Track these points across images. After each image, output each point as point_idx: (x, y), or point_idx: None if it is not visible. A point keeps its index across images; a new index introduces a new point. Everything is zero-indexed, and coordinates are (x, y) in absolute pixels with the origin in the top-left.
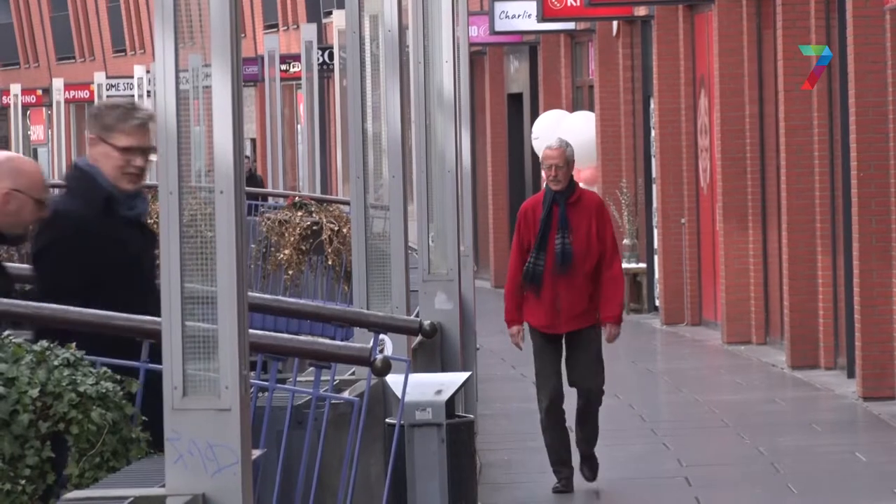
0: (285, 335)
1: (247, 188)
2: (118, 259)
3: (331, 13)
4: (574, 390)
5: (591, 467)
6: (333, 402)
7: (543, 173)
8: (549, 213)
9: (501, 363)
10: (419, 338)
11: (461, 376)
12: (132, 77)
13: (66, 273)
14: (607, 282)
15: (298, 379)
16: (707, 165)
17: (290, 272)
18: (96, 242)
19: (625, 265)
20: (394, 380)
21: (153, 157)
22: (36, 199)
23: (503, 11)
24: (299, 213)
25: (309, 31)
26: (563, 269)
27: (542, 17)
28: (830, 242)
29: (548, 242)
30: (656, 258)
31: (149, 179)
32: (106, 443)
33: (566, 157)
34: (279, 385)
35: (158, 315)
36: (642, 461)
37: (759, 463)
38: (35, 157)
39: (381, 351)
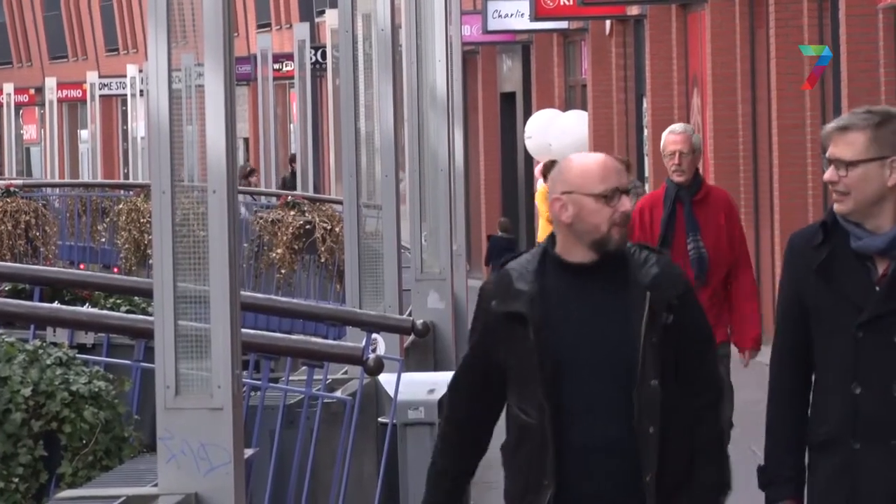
0: (278, 334)
1: (251, 188)
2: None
3: (324, 12)
4: None
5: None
6: (326, 401)
7: (666, 163)
8: (671, 213)
9: None
10: (412, 337)
11: None
12: (125, 76)
13: None
14: (743, 297)
15: (291, 378)
16: (700, 164)
17: (283, 271)
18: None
19: None
20: (386, 379)
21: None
22: (595, 195)
23: (496, 10)
24: (292, 213)
25: (302, 30)
26: (701, 280)
27: (535, 17)
28: None
29: (671, 249)
30: None
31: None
32: (99, 441)
33: (692, 144)
34: (272, 384)
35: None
36: None
37: (752, 463)
38: (28, 156)
39: (374, 350)
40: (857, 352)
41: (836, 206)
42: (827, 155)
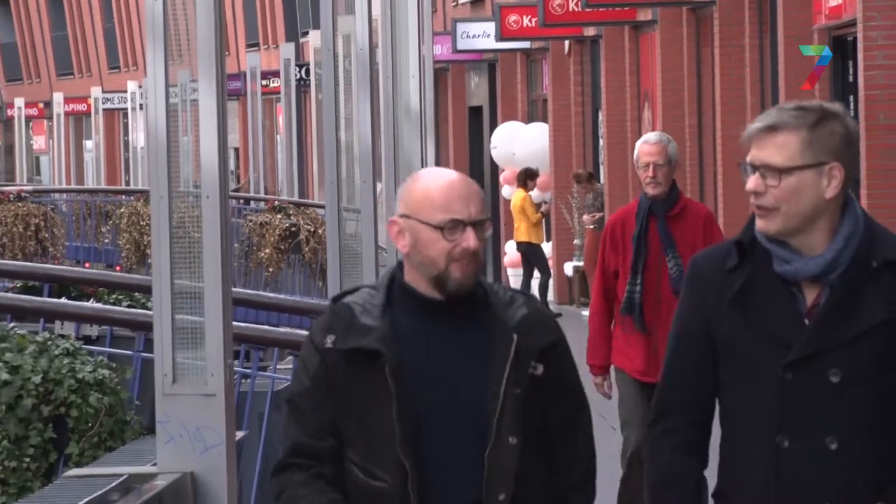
0: (266, 327)
1: (241, 194)
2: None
3: (307, 33)
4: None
5: None
6: None
7: (640, 175)
8: (644, 229)
9: None
10: None
11: None
12: (126, 91)
13: None
14: None
15: (278, 366)
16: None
17: (271, 269)
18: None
19: (574, 263)
20: None
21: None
22: (433, 226)
23: (465, 31)
24: (278, 216)
25: (287, 49)
26: None
27: (500, 37)
28: None
29: (645, 266)
30: None
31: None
32: (103, 424)
33: (668, 155)
34: (260, 372)
35: None
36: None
37: None
38: (37, 165)
39: None
40: (784, 397)
41: (760, 224)
42: (749, 159)
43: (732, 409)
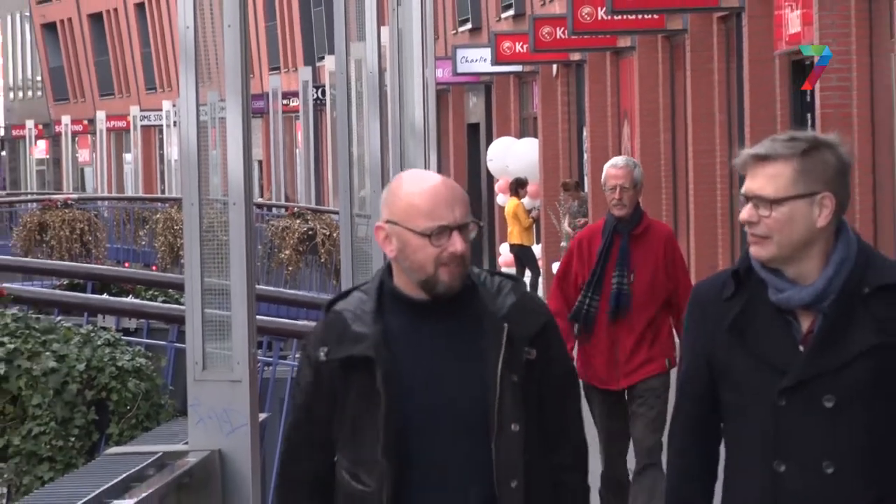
0: (286, 320)
1: (259, 201)
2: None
3: (323, 58)
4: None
5: None
6: None
7: (606, 196)
8: (608, 246)
9: None
10: None
11: None
12: (161, 110)
13: None
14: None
15: (297, 356)
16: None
17: (290, 269)
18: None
19: None
20: None
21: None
22: (418, 232)
23: (464, 56)
24: (297, 221)
25: (305, 72)
26: (618, 314)
27: (496, 61)
28: (729, 245)
29: (604, 281)
30: None
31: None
32: (140, 407)
33: (633, 178)
34: (281, 361)
35: None
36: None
37: None
38: (82, 176)
39: None
40: (779, 422)
41: (753, 251)
42: (744, 190)
43: (732, 434)
